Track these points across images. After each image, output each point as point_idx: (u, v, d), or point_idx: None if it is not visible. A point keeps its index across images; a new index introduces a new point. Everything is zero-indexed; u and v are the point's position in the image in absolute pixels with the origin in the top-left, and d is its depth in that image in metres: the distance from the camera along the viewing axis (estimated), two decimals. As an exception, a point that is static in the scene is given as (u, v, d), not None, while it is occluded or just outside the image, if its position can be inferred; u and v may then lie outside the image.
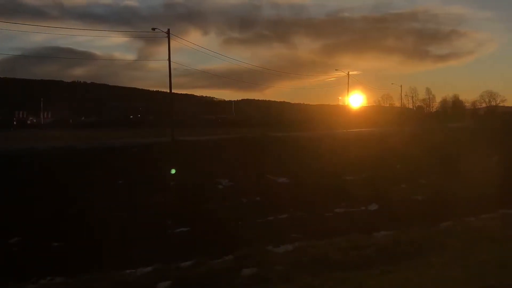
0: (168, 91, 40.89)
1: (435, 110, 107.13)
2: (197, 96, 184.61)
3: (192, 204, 17.18)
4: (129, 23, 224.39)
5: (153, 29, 39.25)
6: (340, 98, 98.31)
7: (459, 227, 9.79)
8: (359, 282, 6.45)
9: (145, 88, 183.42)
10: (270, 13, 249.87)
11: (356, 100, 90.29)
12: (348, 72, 69.63)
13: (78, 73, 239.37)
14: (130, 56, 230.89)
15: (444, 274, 6.57)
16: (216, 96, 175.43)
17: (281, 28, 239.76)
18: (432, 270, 6.82)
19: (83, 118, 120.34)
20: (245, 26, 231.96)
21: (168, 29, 39.18)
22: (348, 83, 69.25)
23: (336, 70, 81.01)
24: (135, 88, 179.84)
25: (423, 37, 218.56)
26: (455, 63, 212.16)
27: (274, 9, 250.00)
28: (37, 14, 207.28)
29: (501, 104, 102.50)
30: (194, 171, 22.68)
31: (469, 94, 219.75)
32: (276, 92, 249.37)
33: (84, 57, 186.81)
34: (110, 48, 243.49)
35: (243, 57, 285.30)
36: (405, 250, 8.15)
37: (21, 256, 11.43)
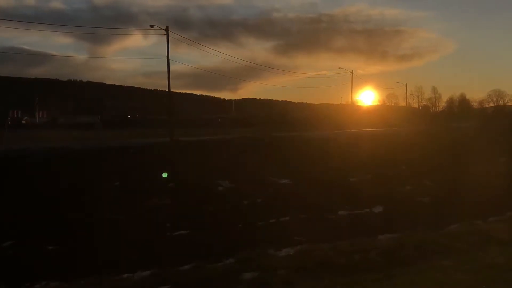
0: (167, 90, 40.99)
1: (441, 109, 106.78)
2: (196, 95, 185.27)
3: (191, 206, 16.98)
4: (59, 25, 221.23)
5: (151, 26, 39.27)
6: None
7: (466, 230, 9.66)
8: (363, 286, 6.31)
9: (143, 87, 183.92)
10: (204, 14, 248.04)
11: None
12: (352, 70, 69.72)
13: (36, 72, 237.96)
14: (83, 55, 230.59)
15: (451, 278, 6.43)
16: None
17: (222, 29, 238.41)
18: (439, 274, 6.68)
19: (79, 117, 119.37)
20: (184, 27, 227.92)
21: (167, 26, 39.17)
22: (351, 82, 69.29)
23: (339, 68, 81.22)
24: (132, 87, 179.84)
25: (374, 37, 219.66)
26: (416, 63, 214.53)
27: (203, 10, 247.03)
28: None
29: (509, 104, 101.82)
30: (193, 172, 22.49)
31: (476, 93, 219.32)
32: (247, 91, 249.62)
33: (39, 55, 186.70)
34: (63, 48, 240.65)
35: (191, 57, 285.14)
36: (410, 254, 8.05)
37: (14, 260, 11.22)
